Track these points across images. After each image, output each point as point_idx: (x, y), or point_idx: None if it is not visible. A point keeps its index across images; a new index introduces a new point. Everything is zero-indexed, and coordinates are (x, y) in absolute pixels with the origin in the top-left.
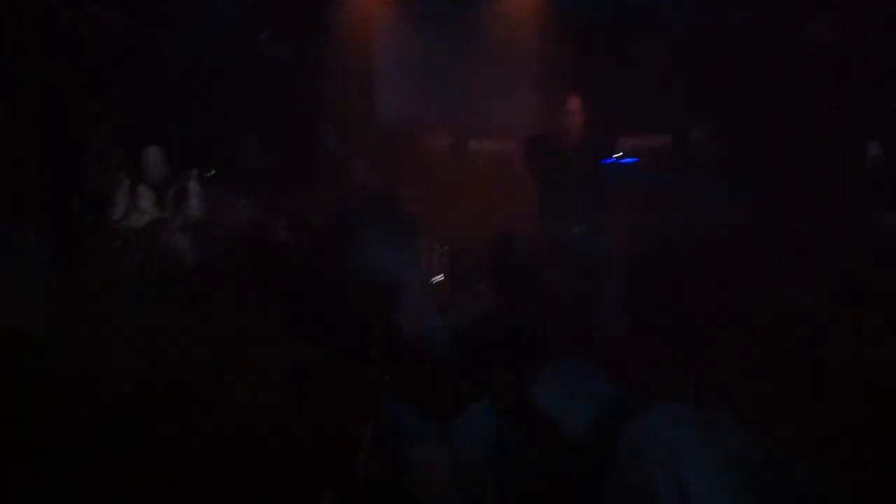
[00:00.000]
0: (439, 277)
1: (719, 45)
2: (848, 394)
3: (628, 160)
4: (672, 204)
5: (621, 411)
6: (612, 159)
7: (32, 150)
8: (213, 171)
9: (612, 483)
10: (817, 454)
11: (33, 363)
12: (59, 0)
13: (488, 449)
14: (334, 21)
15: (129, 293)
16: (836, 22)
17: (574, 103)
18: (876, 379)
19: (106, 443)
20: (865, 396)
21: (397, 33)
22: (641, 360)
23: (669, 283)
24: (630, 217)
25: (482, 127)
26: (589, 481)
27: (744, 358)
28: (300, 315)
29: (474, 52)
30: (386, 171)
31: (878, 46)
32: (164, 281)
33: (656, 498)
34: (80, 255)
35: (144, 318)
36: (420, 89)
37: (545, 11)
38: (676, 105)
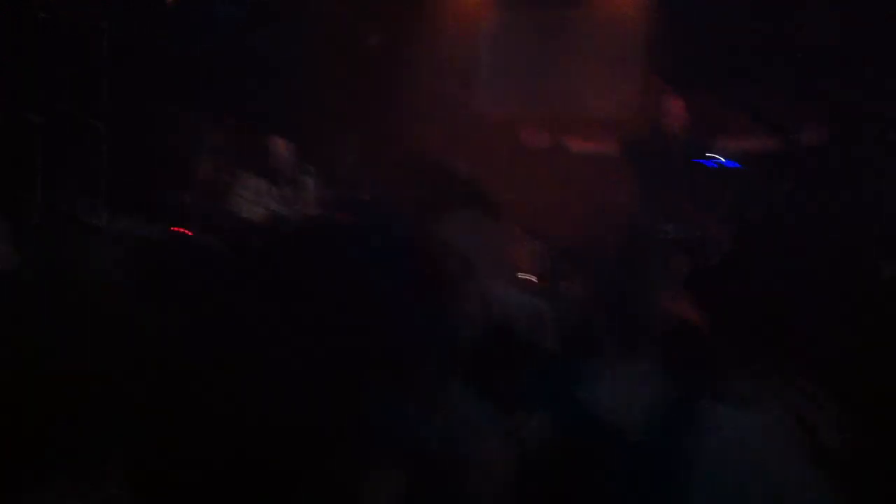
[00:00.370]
0: (529, 276)
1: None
2: None
3: (731, 162)
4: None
5: (682, 414)
6: (713, 162)
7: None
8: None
9: (680, 491)
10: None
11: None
12: None
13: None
14: (433, 13)
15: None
16: None
17: (676, 102)
18: None
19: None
20: None
21: (497, 25)
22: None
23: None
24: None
25: (582, 123)
26: (648, 488)
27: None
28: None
29: (575, 44)
30: (484, 166)
31: None
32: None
33: None
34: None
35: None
36: (520, 82)
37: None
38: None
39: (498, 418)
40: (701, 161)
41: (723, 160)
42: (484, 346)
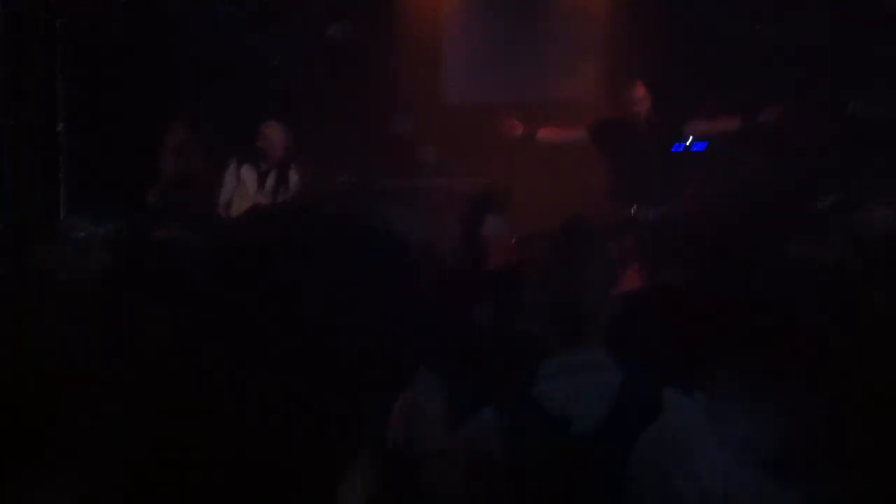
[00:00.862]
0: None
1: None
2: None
3: (698, 146)
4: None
5: (635, 405)
6: (682, 146)
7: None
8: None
9: (626, 482)
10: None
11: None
12: None
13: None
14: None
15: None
16: None
17: (640, 90)
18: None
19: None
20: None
21: (466, 11)
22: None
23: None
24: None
25: (551, 109)
26: (599, 480)
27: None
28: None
29: (543, 29)
30: (454, 154)
31: None
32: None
33: (674, 497)
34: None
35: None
36: (489, 69)
37: None
38: (747, 84)
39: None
40: (677, 148)
41: (690, 143)
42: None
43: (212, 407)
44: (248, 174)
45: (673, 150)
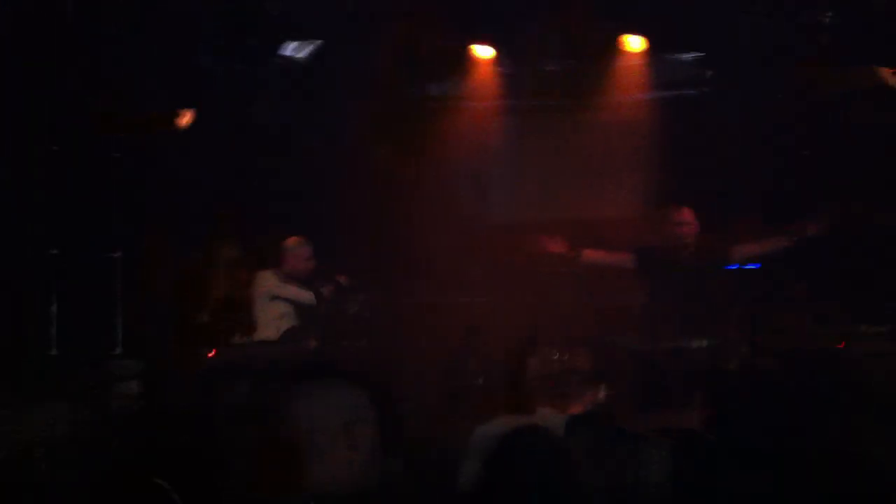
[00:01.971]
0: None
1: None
2: None
3: (752, 265)
4: None
5: None
6: (735, 266)
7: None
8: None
9: None
10: None
11: None
12: None
13: None
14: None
15: None
16: None
17: (685, 213)
18: None
19: None
20: None
21: (509, 134)
22: None
23: None
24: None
25: (592, 233)
26: None
27: None
28: None
29: (587, 150)
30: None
31: None
32: None
33: None
34: None
35: None
36: (532, 190)
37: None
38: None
39: None
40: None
41: (739, 265)
42: None
43: None
44: (285, 291)
45: (727, 268)
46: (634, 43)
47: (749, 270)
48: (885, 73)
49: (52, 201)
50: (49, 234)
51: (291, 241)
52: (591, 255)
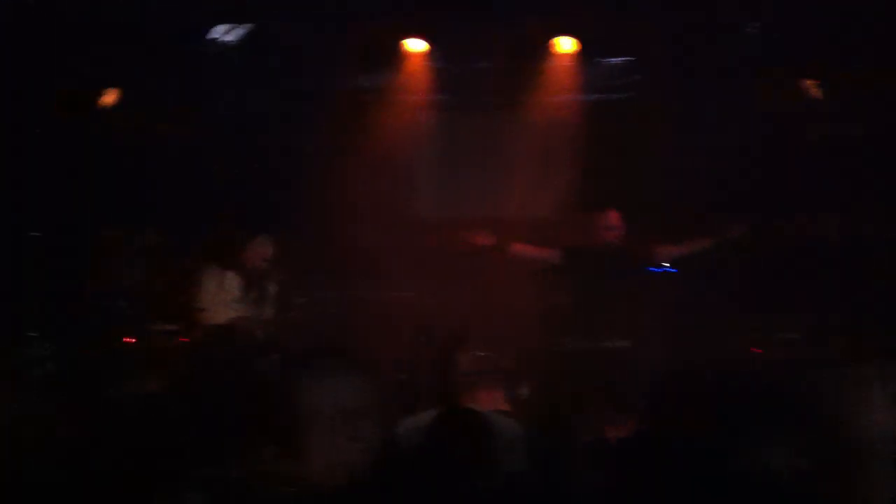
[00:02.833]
0: None
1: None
2: None
3: (670, 269)
4: None
5: None
6: (656, 269)
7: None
8: None
9: None
10: None
11: None
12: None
13: None
14: (374, 117)
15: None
16: None
17: (613, 217)
18: None
19: None
20: None
21: (437, 127)
22: None
23: None
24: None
25: (521, 226)
26: None
27: None
28: None
29: (514, 145)
30: (423, 269)
31: None
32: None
33: None
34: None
35: None
36: (458, 184)
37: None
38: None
39: None
40: (648, 268)
41: (660, 268)
42: None
43: None
44: (231, 282)
45: (648, 270)
46: (566, 45)
47: (670, 274)
48: (812, 84)
49: None
50: None
51: (258, 239)
52: (518, 249)
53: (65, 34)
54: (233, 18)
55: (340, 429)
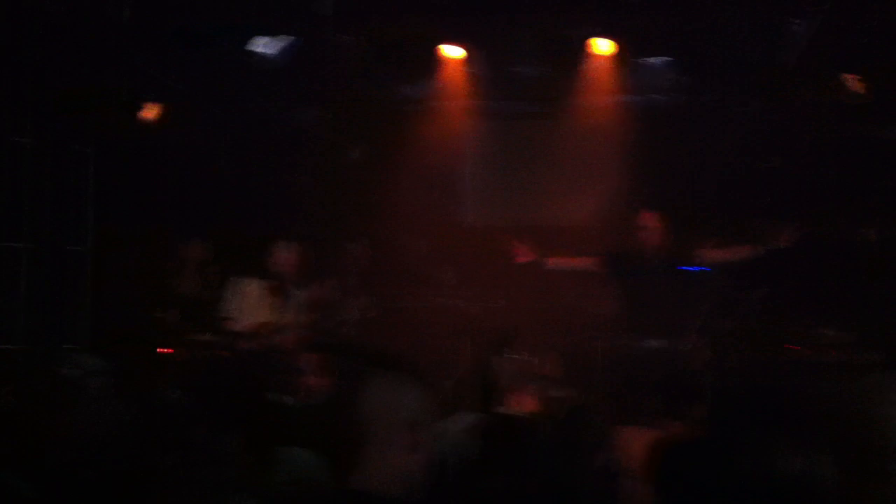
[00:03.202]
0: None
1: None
2: None
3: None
4: None
5: None
6: (690, 269)
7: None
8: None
9: None
10: None
11: None
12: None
13: None
14: (417, 128)
15: None
16: None
17: (649, 218)
18: None
19: None
20: None
21: (482, 137)
22: None
23: None
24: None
25: (561, 233)
26: None
27: None
28: None
29: (558, 154)
30: (470, 277)
31: None
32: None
33: None
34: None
35: None
36: (504, 193)
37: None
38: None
39: None
40: (683, 268)
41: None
42: None
43: None
44: (254, 290)
45: (689, 270)
46: (604, 46)
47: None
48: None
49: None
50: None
51: (280, 244)
52: (557, 262)
53: None
54: None
55: (398, 440)
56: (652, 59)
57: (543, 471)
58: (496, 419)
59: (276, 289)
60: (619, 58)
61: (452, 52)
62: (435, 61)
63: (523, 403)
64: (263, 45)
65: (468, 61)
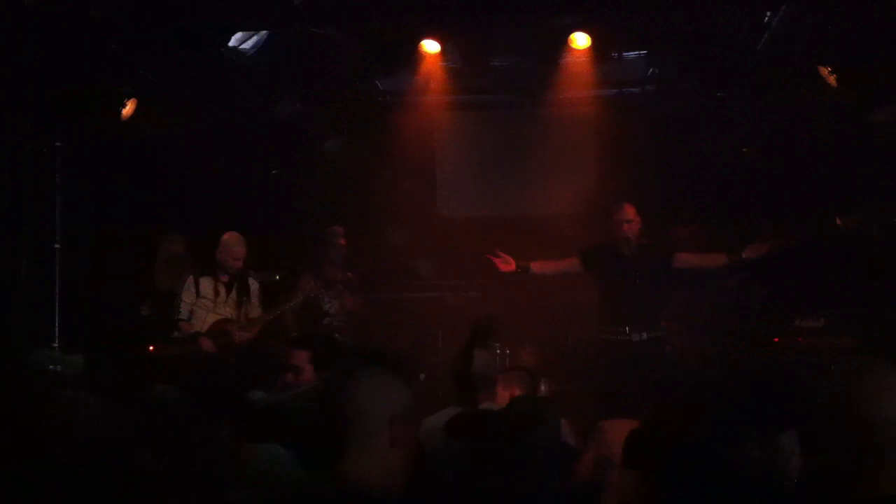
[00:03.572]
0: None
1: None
2: None
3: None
4: None
5: None
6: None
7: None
8: (278, 276)
9: None
10: None
11: None
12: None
13: None
14: (396, 120)
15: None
16: None
17: (629, 211)
18: None
19: None
20: None
21: (458, 129)
22: None
23: None
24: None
25: (539, 223)
26: None
27: None
28: None
29: (534, 146)
30: (447, 269)
31: None
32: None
33: None
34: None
35: None
36: (481, 185)
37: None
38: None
39: None
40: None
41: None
42: None
43: None
44: (207, 287)
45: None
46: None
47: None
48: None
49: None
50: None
51: (230, 237)
52: (539, 267)
53: None
54: None
55: (380, 435)
56: (627, 53)
57: (511, 465)
58: (471, 414)
59: (229, 285)
60: (595, 51)
61: (431, 45)
62: (413, 54)
63: (501, 396)
64: (237, 40)
65: (446, 53)
